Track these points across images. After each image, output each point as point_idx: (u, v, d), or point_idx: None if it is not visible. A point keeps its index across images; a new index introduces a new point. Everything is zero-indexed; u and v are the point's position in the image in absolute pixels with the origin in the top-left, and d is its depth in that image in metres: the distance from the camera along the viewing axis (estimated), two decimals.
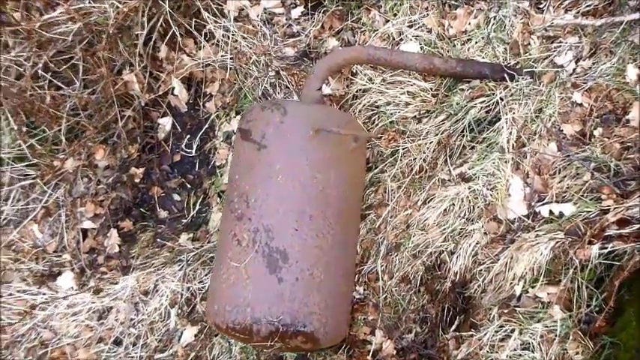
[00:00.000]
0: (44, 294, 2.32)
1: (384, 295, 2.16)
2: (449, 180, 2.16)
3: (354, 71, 2.43)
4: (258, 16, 2.57)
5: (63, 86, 2.46)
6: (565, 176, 2.04)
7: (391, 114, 2.32)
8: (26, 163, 2.45)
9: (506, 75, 2.22)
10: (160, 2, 2.38)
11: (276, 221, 1.82)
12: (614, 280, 1.74)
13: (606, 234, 1.81)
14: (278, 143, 1.89)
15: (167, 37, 2.53)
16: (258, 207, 1.84)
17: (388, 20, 2.45)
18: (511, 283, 1.96)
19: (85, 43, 2.44)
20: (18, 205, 2.46)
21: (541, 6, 2.39)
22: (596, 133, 2.07)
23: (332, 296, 1.85)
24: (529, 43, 2.31)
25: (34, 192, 2.46)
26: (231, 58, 2.48)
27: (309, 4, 2.59)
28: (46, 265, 2.41)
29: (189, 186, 2.60)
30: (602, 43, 2.21)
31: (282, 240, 1.80)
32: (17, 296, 2.32)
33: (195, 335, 2.18)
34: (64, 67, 2.44)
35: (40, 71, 2.40)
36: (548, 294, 1.89)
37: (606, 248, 1.79)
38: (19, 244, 2.43)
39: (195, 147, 2.63)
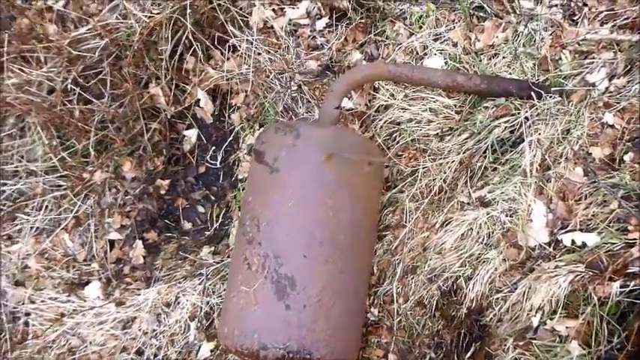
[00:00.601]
0: (73, 302, 2.41)
1: (399, 319, 2.13)
2: (468, 203, 2.10)
3: (376, 86, 2.39)
4: (282, 28, 2.56)
5: (92, 99, 2.53)
6: (591, 203, 1.95)
7: (412, 131, 2.28)
8: (57, 175, 2.54)
9: (533, 93, 2.12)
10: (183, 19, 2.39)
11: (286, 247, 1.82)
12: (636, 320, 1.65)
13: (629, 271, 1.71)
14: (290, 167, 1.88)
15: (192, 50, 2.55)
16: (269, 231, 1.84)
17: (413, 33, 2.39)
18: (528, 314, 1.90)
19: (112, 57, 2.50)
20: (51, 214, 2.56)
21: (575, 18, 2.27)
22: (626, 157, 1.96)
23: (341, 323, 1.84)
24: (560, 58, 2.20)
25: (65, 202, 2.55)
26: (253, 71, 2.48)
27: (334, 16, 2.55)
28: (76, 273, 2.51)
29: (213, 198, 2.64)
30: (638, 60, 2.08)
31: (291, 266, 1.80)
32: (49, 303, 2.43)
33: (212, 351, 2.23)
34: (93, 81, 2.52)
35: (69, 86, 2.48)
36: (566, 328, 1.82)
37: (627, 286, 1.69)
38: (51, 252, 2.54)
39: (219, 159, 2.67)
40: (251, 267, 1.84)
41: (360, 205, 1.93)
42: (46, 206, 2.56)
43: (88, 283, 2.49)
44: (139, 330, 2.34)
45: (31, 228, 2.54)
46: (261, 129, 2.47)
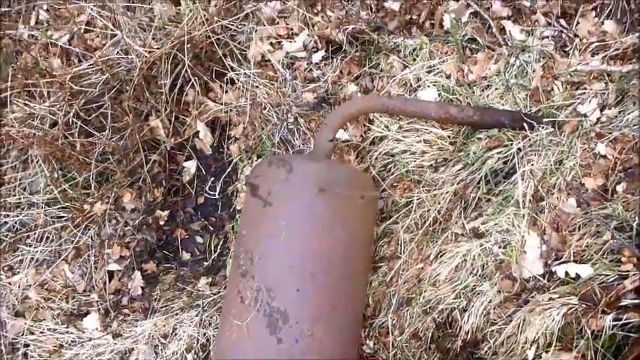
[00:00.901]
0: (71, 333, 2.42)
1: (394, 351, 2.13)
2: (462, 234, 2.10)
3: (371, 118, 2.42)
4: (279, 61, 2.61)
5: (94, 133, 2.58)
6: (585, 234, 1.95)
7: (407, 162, 2.29)
8: (59, 207, 2.58)
9: (525, 124, 2.14)
10: (185, 51, 2.45)
11: (279, 281, 1.83)
12: (628, 356, 1.64)
13: (622, 303, 1.70)
14: (283, 201, 1.90)
15: (191, 83, 2.61)
16: (262, 265, 1.86)
17: (407, 66, 2.42)
18: (523, 347, 1.89)
19: (113, 91, 2.55)
20: (51, 245, 2.59)
21: (567, 49, 2.29)
22: (619, 188, 1.96)
23: (333, 357, 1.83)
24: (552, 89, 2.22)
25: (65, 234, 2.58)
26: (250, 104, 2.52)
27: (330, 49, 2.60)
28: (75, 304, 2.53)
29: (211, 228, 2.66)
30: (629, 91, 2.10)
31: (284, 300, 1.80)
32: (48, 335, 2.44)
33: None
34: (94, 115, 2.57)
35: (71, 119, 2.54)
36: None
37: (620, 319, 1.68)
38: (51, 283, 2.57)
39: (218, 190, 2.69)
40: (244, 300, 1.85)
41: (353, 239, 1.94)
42: (47, 237, 2.60)
43: (87, 314, 2.50)
44: None
45: (32, 259, 2.57)
46: (256, 162, 2.50)
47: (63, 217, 2.60)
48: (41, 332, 2.45)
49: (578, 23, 2.31)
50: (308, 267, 1.84)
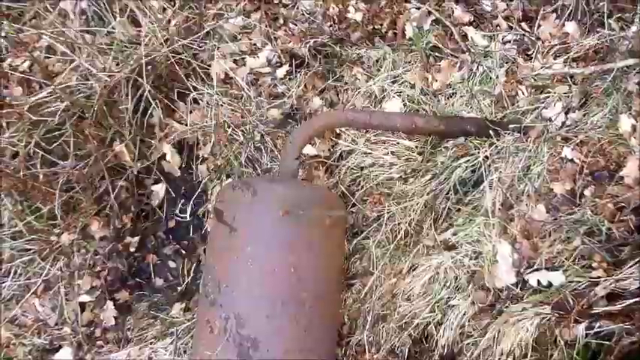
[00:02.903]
0: None
1: None
2: (433, 247, 2.08)
3: (338, 132, 2.39)
4: (243, 78, 2.57)
5: (57, 162, 2.52)
6: (555, 240, 1.94)
7: (376, 175, 2.27)
8: (24, 240, 2.51)
9: (491, 131, 2.12)
10: (140, 77, 2.40)
11: (247, 308, 1.79)
12: None
13: (594, 311, 1.69)
14: (248, 226, 1.86)
15: (151, 106, 2.55)
16: (230, 293, 1.82)
17: (371, 77, 2.40)
18: (499, 359, 1.86)
19: (74, 118, 2.49)
20: (19, 280, 2.52)
21: (529, 53, 2.28)
22: (587, 192, 1.95)
23: None
24: (516, 94, 2.21)
25: (33, 267, 2.52)
26: (214, 124, 2.48)
27: (294, 63, 2.57)
28: (48, 338, 2.46)
29: (184, 252, 2.60)
30: (592, 92, 2.09)
31: (253, 328, 1.76)
32: None
33: None
34: (56, 143, 2.51)
35: (32, 149, 2.48)
36: None
37: (593, 328, 1.67)
38: (21, 318, 2.50)
39: (189, 212, 2.64)
40: (213, 330, 1.80)
41: (322, 260, 1.91)
42: (15, 271, 2.53)
43: (59, 348, 2.44)
44: None
45: (0, 295, 2.50)
46: (223, 184, 2.46)
47: (30, 249, 2.53)
48: None
49: (539, 26, 2.31)
50: (277, 292, 1.80)
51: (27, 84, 2.74)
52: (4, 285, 2.50)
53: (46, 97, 2.46)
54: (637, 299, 1.65)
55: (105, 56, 2.59)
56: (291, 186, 1.95)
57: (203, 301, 1.90)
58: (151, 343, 2.32)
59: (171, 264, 2.60)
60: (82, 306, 2.50)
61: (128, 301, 2.52)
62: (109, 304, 2.47)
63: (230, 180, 2.45)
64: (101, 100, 2.44)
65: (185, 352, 2.27)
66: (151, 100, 2.42)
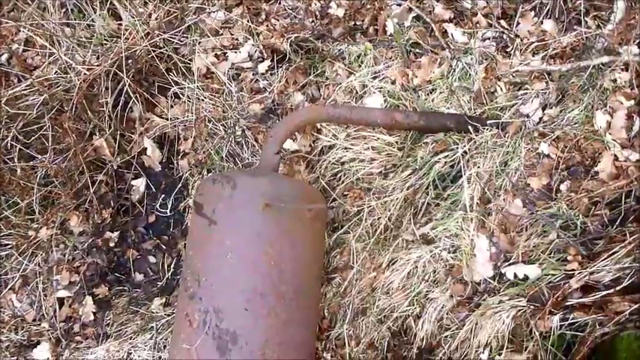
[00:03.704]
0: None
1: None
2: (412, 241, 2.10)
3: (319, 127, 2.39)
4: (224, 73, 2.56)
5: (35, 155, 2.50)
6: (532, 234, 1.96)
7: (356, 170, 2.28)
8: (1, 234, 2.48)
9: (470, 127, 2.15)
10: (121, 70, 2.39)
11: (226, 301, 1.79)
12: (576, 355, 1.65)
13: (568, 303, 1.72)
14: (228, 219, 1.86)
15: (131, 100, 2.54)
16: (209, 286, 1.81)
17: (352, 73, 2.41)
18: (477, 351, 1.89)
19: (53, 112, 2.47)
20: None
21: (508, 50, 2.31)
22: (562, 187, 1.99)
23: None
24: (495, 90, 2.24)
25: (10, 262, 2.49)
26: (195, 118, 2.47)
27: (276, 58, 2.57)
28: (25, 334, 2.43)
29: (164, 247, 2.59)
30: (569, 89, 2.13)
31: (232, 321, 1.76)
32: None
33: None
34: (34, 137, 2.48)
35: (10, 143, 2.45)
36: None
37: (567, 319, 1.70)
38: None
39: (169, 207, 2.63)
40: (192, 324, 1.80)
41: (303, 253, 1.91)
42: None
43: (37, 344, 2.41)
44: None
45: None
46: (201, 180, 2.46)
47: (7, 244, 2.51)
48: None
49: (518, 24, 2.33)
50: (256, 286, 1.81)
51: (4, 77, 2.70)
52: None
53: (24, 89, 2.43)
54: (610, 291, 1.69)
55: (84, 49, 2.57)
56: (272, 179, 1.95)
57: (182, 294, 1.90)
58: (130, 338, 2.31)
59: (152, 259, 2.58)
60: (61, 301, 2.48)
61: (107, 296, 2.51)
62: (88, 299, 2.46)
63: (210, 174, 2.45)
64: (80, 93, 2.42)
65: (165, 347, 2.26)
66: (131, 93, 2.40)
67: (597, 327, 1.63)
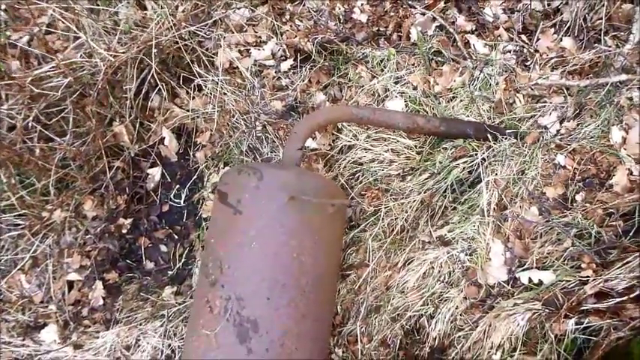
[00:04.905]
0: (28, 346, 2.32)
1: (363, 359, 2.13)
2: (429, 242, 2.14)
3: (340, 127, 2.44)
4: (247, 68, 2.60)
5: (54, 137, 2.50)
6: (546, 241, 2.01)
7: (375, 171, 2.32)
8: (15, 214, 2.48)
9: (489, 135, 2.21)
10: (148, 59, 2.41)
11: (249, 290, 1.81)
12: (591, 357, 1.70)
13: (583, 308, 1.77)
14: (253, 209, 1.89)
15: (157, 89, 2.57)
16: (231, 274, 1.83)
17: (375, 76, 2.46)
18: (489, 352, 1.93)
19: (75, 95, 2.48)
20: (7, 255, 2.49)
21: (528, 63, 2.38)
22: (578, 197, 2.05)
23: None
24: (514, 102, 2.30)
25: (22, 242, 2.49)
26: (218, 111, 2.50)
27: (299, 58, 2.61)
28: (32, 315, 2.42)
29: (176, 237, 2.61)
30: (587, 104, 2.20)
31: (254, 309, 1.78)
32: (2, 348, 2.33)
33: None
34: (55, 119, 2.49)
35: (30, 123, 2.45)
36: None
37: (582, 323, 1.75)
38: (6, 294, 2.46)
39: (183, 197, 2.65)
40: (213, 310, 1.82)
41: (323, 247, 1.94)
42: (3, 246, 2.49)
43: (44, 325, 2.41)
44: None
45: None
46: (225, 169, 2.49)
47: (20, 224, 2.50)
48: None
49: (538, 39, 2.41)
50: (278, 276, 1.83)
51: (25, 59, 2.71)
52: None
53: (48, 71, 2.45)
54: (623, 298, 1.74)
55: (109, 37, 2.59)
56: (298, 173, 1.98)
57: (203, 281, 1.91)
58: (140, 325, 2.31)
59: (163, 248, 2.60)
60: (70, 284, 2.48)
61: (117, 282, 2.51)
62: (98, 284, 2.46)
63: (230, 166, 2.47)
64: (104, 79, 2.43)
65: (175, 335, 2.27)
66: (158, 81, 2.42)
67: (612, 331, 1.68)
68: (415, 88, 2.40)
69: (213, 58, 2.64)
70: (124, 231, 2.58)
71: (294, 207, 1.88)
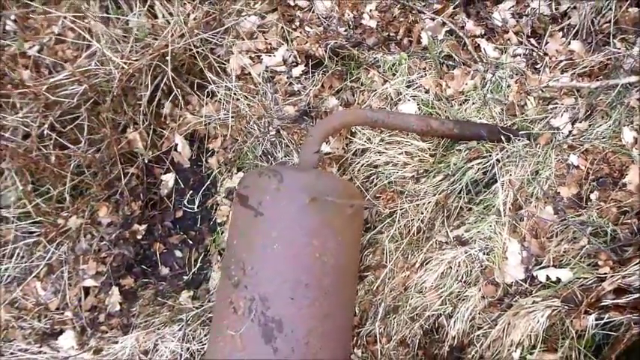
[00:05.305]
0: (45, 353, 2.32)
1: (382, 359, 2.15)
2: (446, 242, 2.17)
3: (353, 131, 2.47)
4: (259, 75, 2.63)
5: (69, 145, 2.51)
6: (562, 240, 2.04)
7: (389, 174, 2.35)
8: (30, 221, 2.49)
9: (502, 136, 2.24)
10: (162, 65, 2.44)
11: (272, 290, 1.83)
12: (611, 352, 1.72)
13: (602, 304, 1.80)
14: (274, 211, 1.91)
15: (171, 96, 2.59)
16: (255, 275, 1.85)
17: (387, 80, 2.50)
18: (509, 350, 1.94)
19: (90, 102, 2.51)
20: (22, 262, 2.49)
21: (537, 66, 2.42)
22: (592, 196, 2.08)
23: None
24: (525, 104, 2.34)
25: (37, 250, 2.49)
26: (232, 117, 2.53)
27: (310, 63, 2.65)
28: (48, 323, 2.43)
29: (190, 242, 2.62)
30: (598, 105, 2.24)
31: (278, 309, 1.80)
32: (18, 355, 2.33)
33: None
34: (70, 126, 2.51)
35: (45, 131, 2.47)
36: None
37: (602, 319, 1.77)
38: (22, 301, 2.46)
39: (197, 203, 2.67)
40: (237, 311, 1.83)
41: (344, 248, 1.96)
42: (18, 254, 2.49)
43: (60, 332, 2.41)
44: None
45: (2, 277, 2.46)
46: (243, 173, 2.51)
47: (35, 232, 2.51)
48: (12, 353, 2.34)
49: (547, 43, 2.45)
50: (301, 276, 1.85)
51: (35, 68, 2.73)
52: (6, 267, 2.46)
53: (63, 79, 2.47)
54: None
55: (121, 45, 2.62)
56: (317, 175, 2.01)
57: (225, 282, 1.93)
58: (158, 329, 2.32)
59: (178, 253, 2.61)
60: (86, 291, 2.49)
61: (133, 287, 2.52)
62: (115, 289, 2.47)
63: (248, 170, 2.50)
64: (120, 85, 2.46)
65: (194, 338, 2.28)
66: (174, 87, 2.44)
67: (633, 326, 1.70)
68: (427, 92, 2.44)
69: (224, 64, 2.67)
70: (139, 237, 2.59)
71: (315, 208, 1.90)
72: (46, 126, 2.46)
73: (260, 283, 1.84)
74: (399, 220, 2.26)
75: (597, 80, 2.28)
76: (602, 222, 2.00)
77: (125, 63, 2.45)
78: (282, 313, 1.80)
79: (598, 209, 2.03)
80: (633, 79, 2.19)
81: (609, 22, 2.35)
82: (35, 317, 2.44)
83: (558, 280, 1.95)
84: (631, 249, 1.92)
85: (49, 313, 2.46)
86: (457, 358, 2.05)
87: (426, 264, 2.16)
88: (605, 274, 1.88)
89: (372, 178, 2.39)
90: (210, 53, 2.64)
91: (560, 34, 2.46)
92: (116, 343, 2.31)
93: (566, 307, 1.85)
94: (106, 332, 2.39)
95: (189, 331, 2.29)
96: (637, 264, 1.84)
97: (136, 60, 2.49)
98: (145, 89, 2.53)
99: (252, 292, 1.83)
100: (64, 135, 2.52)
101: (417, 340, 2.12)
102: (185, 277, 2.55)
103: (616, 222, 1.99)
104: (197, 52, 2.58)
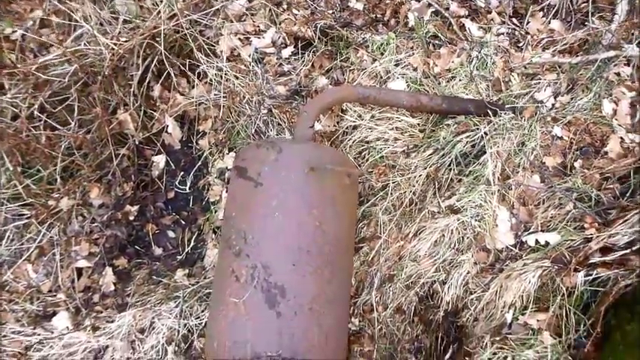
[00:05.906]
0: (39, 334, 2.30)
1: (379, 327, 2.20)
2: (438, 212, 2.23)
3: (344, 108, 2.52)
4: (249, 55, 2.66)
5: (58, 126, 2.50)
6: (549, 206, 2.13)
7: (381, 149, 2.41)
8: (21, 203, 2.46)
9: (489, 111, 2.32)
10: (155, 44, 2.45)
11: (274, 257, 1.86)
12: (600, 306, 1.81)
13: (590, 261, 1.89)
14: (274, 181, 1.94)
15: (161, 77, 2.60)
16: (256, 244, 1.88)
17: (375, 59, 2.56)
18: (502, 311, 2.02)
19: (80, 83, 2.49)
20: (12, 245, 2.46)
21: (520, 44, 2.52)
22: (576, 164, 2.18)
23: (331, 329, 1.88)
24: (510, 80, 2.43)
25: (28, 232, 2.47)
26: (224, 97, 2.55)
27: (299, 44, 2.69)
28: (41, 305, 2.40)
29: (183, 222, 2.63)
30: (578, 80, 2.34)
31: (281, 275, 1.84)
32: (11, 337, 2.30)
33: None
34: (60, 107, 2.49)
35: (35, 112, 2.45)
36: (537, 321, 1.95)
37: (591, 275, 1.86)
38: (13, 284, 2.43)
39: (189, 184, 2.68)
40: (239, 279, 1.86)
41: (343, 216, 2.01)
42: (8, 236, 2.46)
43: (54, 314, 2.39)
44: (112, 359, 2.26)
45: None
46: (235, 154, 2.53)
47: (25, 214, 2.48)
48: (4, 336, 2.31)
49: (528, 22, 2.55)
50: (302, 244, 1.89)
51: (20, 51, 2.70)
52: None
53: (53, 59, 2.45)
54: (626, 251, 1.86)
55: (110, 26, 2.61)
56: (314, 145, 2.05)
57: (226, 252, 1.95)
58: (154, 306, 2.32)
59: (171, 234, 2.62)
60: (79, 272, 2.47)
61: (127, 268, 2.52)
62: (108, 270, 2.46)
63: (240, 149, 2.52)
64: (110, 65, 2.45)
65: (191, 314, 2.29)
66: (167, 66, 2.45)
67: (619, 280, 1.79)
68: (415, 70, 2.50)
69: (214, 46, 2.69)
70: (131, 218, 2.59)
71: (314, 177, 1.95)
72: (36, 107, 2.43)
73: (262, 251, 1.88)
74: (391, 193, 2.32)
75: (577, 56, 2.38)
76: (586, 188, 2.10)
77: (115, 44, 2.45)
78: (284, 280, 1.84)
79: (582, 176, 2.12)
80: (611, 53, 2.30)
81: (587, 1, 2.46)
82: (27, 300, 2.41)
83: (547, 243, 2.04)
84: (614, 211, 2.01)
85: (42, 296, 2.43)
86: (452, 323, 2.12)
87: (420, 233, 2.23)
88: (591, 235, 1.97)
89: (363, 153, 2.44)
90: (199, 35, 2.66)
91: (541, 13, 2.57)
92: (112, 321, 2.30)
93: (556, 266, 1.94)
94: (101, 312, 2.38)
95: (186, 307, 2.30)
96: (621, 224, 1.94)
97: (126, 41, 2.49)
98: (136, 69, 2.53)
99: (254, 261, 1.86)
100: (54, 116, 2.50)
101: (413, 307, 2.18)
102: (179, 257, 2.55)
103: (599, 187, 2.09)
104: (187, 33, 2.60)
